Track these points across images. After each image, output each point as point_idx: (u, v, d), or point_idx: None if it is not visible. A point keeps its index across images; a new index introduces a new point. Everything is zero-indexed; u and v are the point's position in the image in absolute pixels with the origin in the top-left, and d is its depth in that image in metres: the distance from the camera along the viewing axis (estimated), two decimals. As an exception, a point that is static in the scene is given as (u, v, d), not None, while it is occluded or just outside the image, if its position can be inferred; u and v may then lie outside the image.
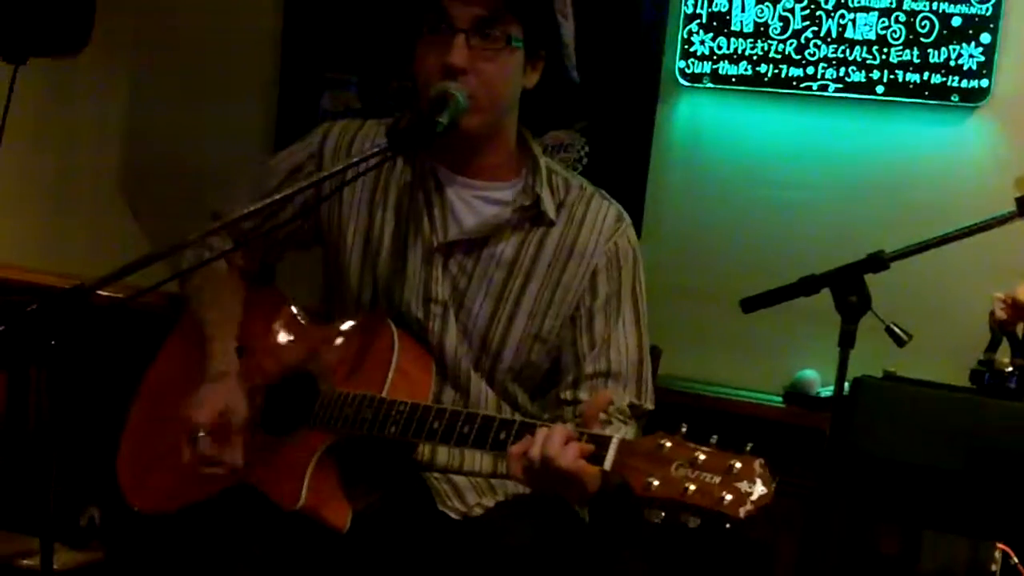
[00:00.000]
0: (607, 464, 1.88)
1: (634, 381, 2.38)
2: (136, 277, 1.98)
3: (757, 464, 1.75)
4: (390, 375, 2.21)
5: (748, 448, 1.78)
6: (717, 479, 1.76)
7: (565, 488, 1.97)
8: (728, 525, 1.75)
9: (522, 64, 2.31)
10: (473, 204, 2.38)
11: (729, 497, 1.74)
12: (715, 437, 1.81)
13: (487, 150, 2.37)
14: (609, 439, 1.89)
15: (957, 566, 3.13)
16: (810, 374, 3.51)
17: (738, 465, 1.75)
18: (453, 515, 2.26)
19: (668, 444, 1.82)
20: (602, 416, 2.03)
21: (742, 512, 1.73)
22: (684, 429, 1.83)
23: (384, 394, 2.18)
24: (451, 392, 2.34)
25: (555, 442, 1.94)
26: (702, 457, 1.78)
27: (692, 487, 1.76)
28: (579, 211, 2.40)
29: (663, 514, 1.79)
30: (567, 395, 2.36)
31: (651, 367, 2.44)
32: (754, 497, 1.73)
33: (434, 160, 2.37)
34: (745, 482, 1.74)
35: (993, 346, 2.74)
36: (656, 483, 1.79)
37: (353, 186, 2.39)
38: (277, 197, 2.15)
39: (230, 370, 2.33)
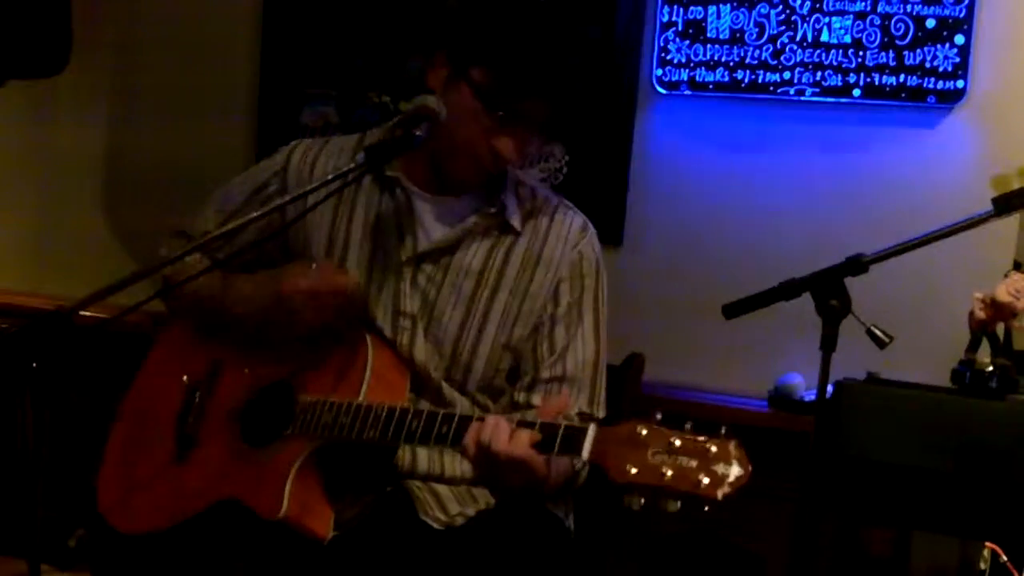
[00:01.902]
0: (584, 453, 1.89)
1: (587, 388, 2.40)
2: (118, 297, 1.99)
3: (732, 446, 1.78)
4: (366, 381, 2.22)
5: (723, 431, 1.80)
6: (694, 463, 1.78)
7: (512, 476, 2.02)
8: (707, 508, 1.76)
9: None
10: (442, 217, 2.39)
11: (707, 480, 1.75)
12: (690, 422, 1.83)
13: (458, 167, 2.38)
14: (585, 429, 1.91)
15: (947, 567, 3.13)
16: (794, 378, 3.52)
17: (714, 448, 1.77)
18: (435, 525, 2.26)
19: (644, 431, 1.83)
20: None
21: (720, 494, 1.75)
22: (659, 416, 1.85)
23: (361, 399, 2.19)
24: (426, 405, 2.35)
25: (503, 430, 1.98)
26: (678, 442, 1.80)
27: (670, 472, 1.78)
28: (544, 221, 2.42)
29: (642, 500, 1.80)
30: (520, 398, 2.38)
31: (606, 377, 2.45)
32: (731, 479, 1.75)
33: (402, 174, 2.38)
34: (722, 464, 1.76)
35: (973, 346, 2.74)
36: (634, 470, 1.80)
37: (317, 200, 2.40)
38: (242, 221, 2.16)
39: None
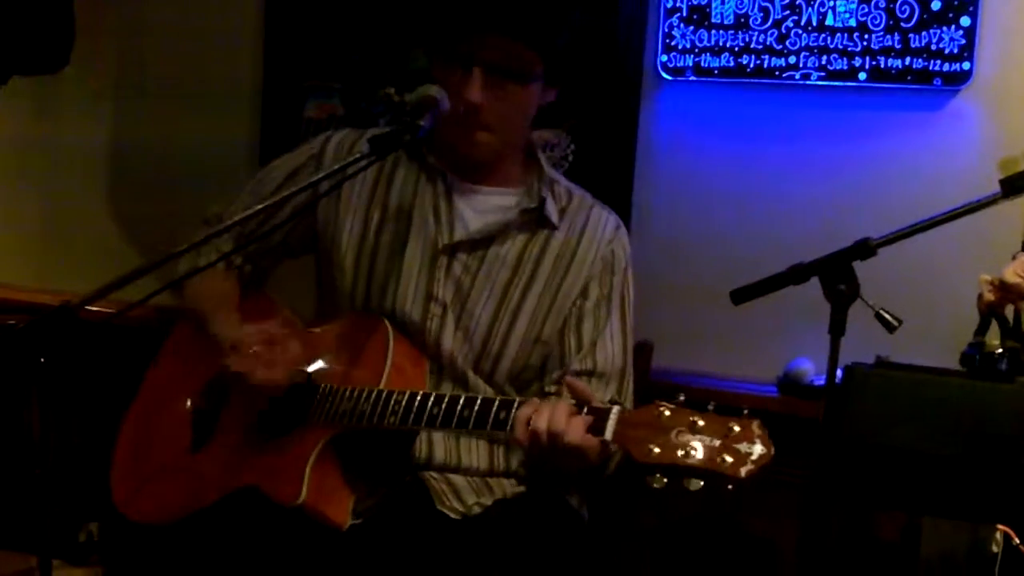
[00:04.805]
0: (608, 434, 1.90)
1: (616, 382, 2.41)
2: (127, 291, 1.99)
3: (755, 425, 1.78)
4: (386, 370, 2.24)
5: (745, 412, 1.80)
6: (717, 442, 1.79)
7: (568, 461, 2.00)
8: (730, 486, 1.77)
9: (539, 91, 2.34)
10: (480, 208, 2.41)
11: (730, 459, 1.76)
12: (713, 403, 1.83)
13: (499, 161, 2.40)
14: (609, 410, 1.92)
15: (958, 550, 3.12)
16: (803, 363, 3.51)
17: (736, 428, 1.78)
18: (452, 515, 2.27)
19: (667, 412, 1.84)
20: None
21: (743, 472, 1.76)
22: (682, 397, 1.85)
23: (382, 387, 2.20)
24: (449, 386, 2.36)
25: (561, 415, 1.96)
26: (701, 422, 1.81)
27: (692, 451, 1.78)
28: (580, 220, 2.45)
29: (665, 480, 1.81)
30: (552, 389, 2.38)
31: (632, 376, 2.46)
32: (754, 457, 1.76)
33: (443, 165, 2.39)
34: (745, 443, 1.77)
35: (982, 329, 2.73)
36: (657, 450, 1.81)
37: (352, 186, 2.42)
38: (274, 200, 2.17)
39: (242, 336, 2.33)
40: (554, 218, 2.40)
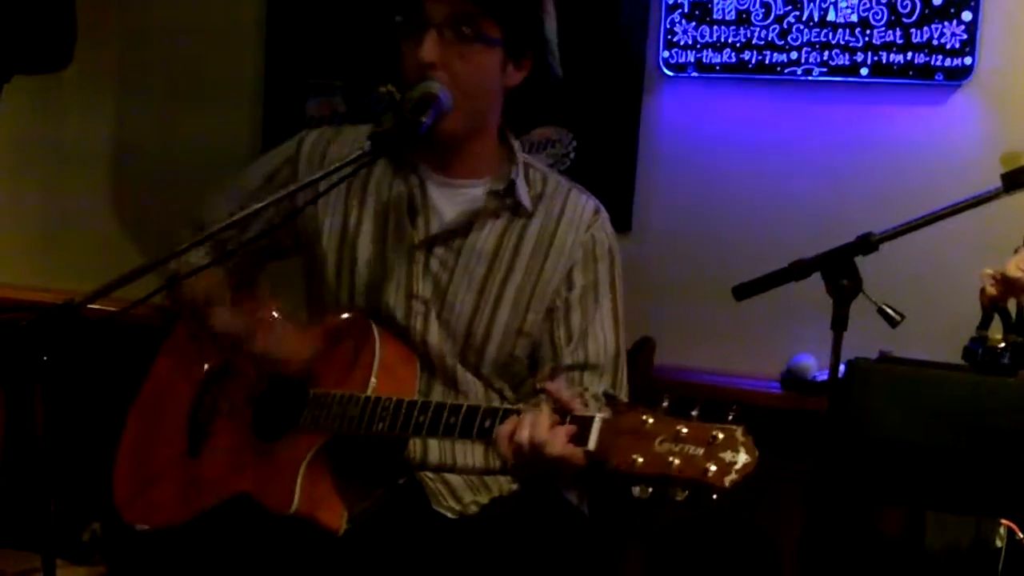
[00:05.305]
0: (591, 444, 1.87)
1: (610, 373, 2.38)
2: (130, 289, 1.99)
3: (739, 433, 1.76)
4: (374, 373, 2.22)
5: (730, 417, 1.78)
6: (700, 451, 1.76)
7: (554, 470, 1.98)
8: (715, 496, 1.75)
9: (500, 62, 2.31)
10: (454, 200, 2.38)
11: (713, 468, 1.74)
12: (697, 409, 1.81)
13: (470, 147, 2.37)
14: (592, 419, 1.89)
15: (961, 544, 3.13)
16: (806, 359, 3.51)
17: (720, 436, 1.75)
18: (449, 515, 2.26)
19: (650, 420, 1.82)
20: (579, 401, 2.03)
21: (727, 481, 1.73)
22: (665, 404, 1.84)
23: (369, 392, 2.18)
24: (440, 387, 2.35)
25: (542, 427, 1.95)
26: (684, 430, 1.78)
27: (676, 461, 1.76)
28: (557, 205, 2.40)
29: (650, 490, 1.79)
30: (541, 387, 2.36)
31: (626, 364, 2.43)
32: (738, 466, 1.73)
33: (416, 158, 2.38)
34: (728, 452, 1.74)
35: (985, 323, 2.73)
36: (640, 460, 1.79)
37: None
38: (252, 209, 2.12)
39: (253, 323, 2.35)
40: (526, 202, 2.36)
